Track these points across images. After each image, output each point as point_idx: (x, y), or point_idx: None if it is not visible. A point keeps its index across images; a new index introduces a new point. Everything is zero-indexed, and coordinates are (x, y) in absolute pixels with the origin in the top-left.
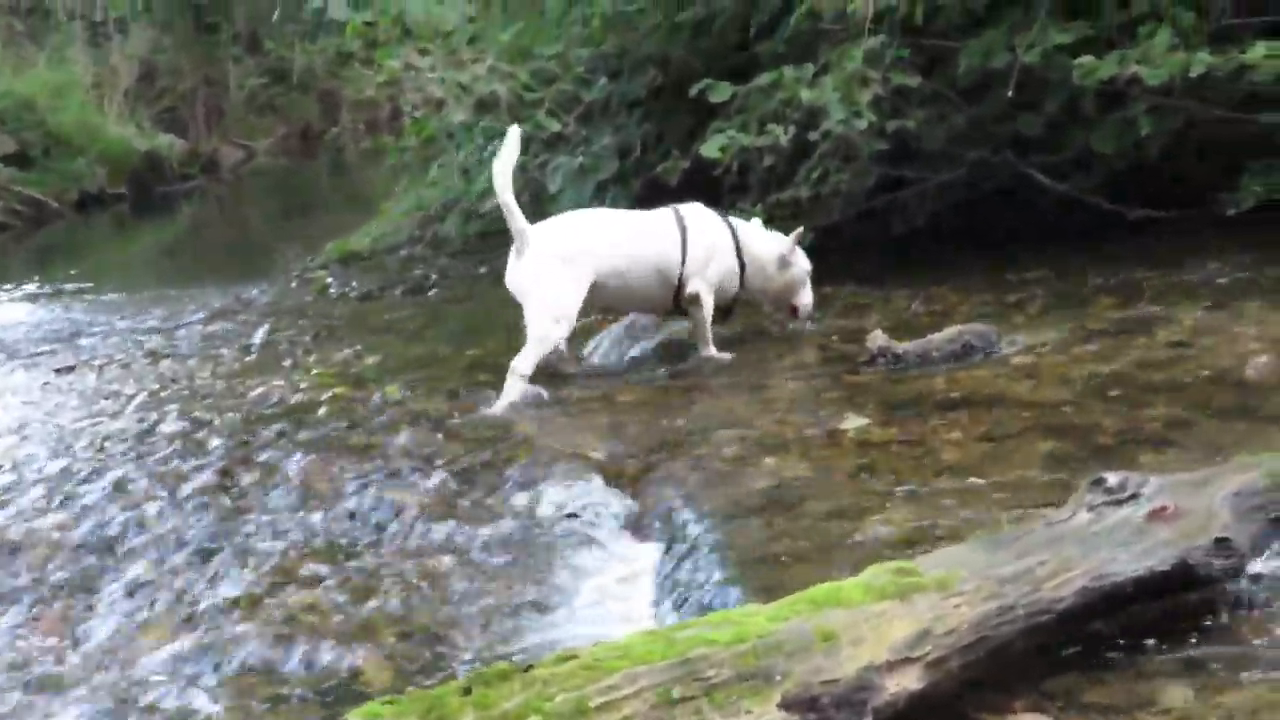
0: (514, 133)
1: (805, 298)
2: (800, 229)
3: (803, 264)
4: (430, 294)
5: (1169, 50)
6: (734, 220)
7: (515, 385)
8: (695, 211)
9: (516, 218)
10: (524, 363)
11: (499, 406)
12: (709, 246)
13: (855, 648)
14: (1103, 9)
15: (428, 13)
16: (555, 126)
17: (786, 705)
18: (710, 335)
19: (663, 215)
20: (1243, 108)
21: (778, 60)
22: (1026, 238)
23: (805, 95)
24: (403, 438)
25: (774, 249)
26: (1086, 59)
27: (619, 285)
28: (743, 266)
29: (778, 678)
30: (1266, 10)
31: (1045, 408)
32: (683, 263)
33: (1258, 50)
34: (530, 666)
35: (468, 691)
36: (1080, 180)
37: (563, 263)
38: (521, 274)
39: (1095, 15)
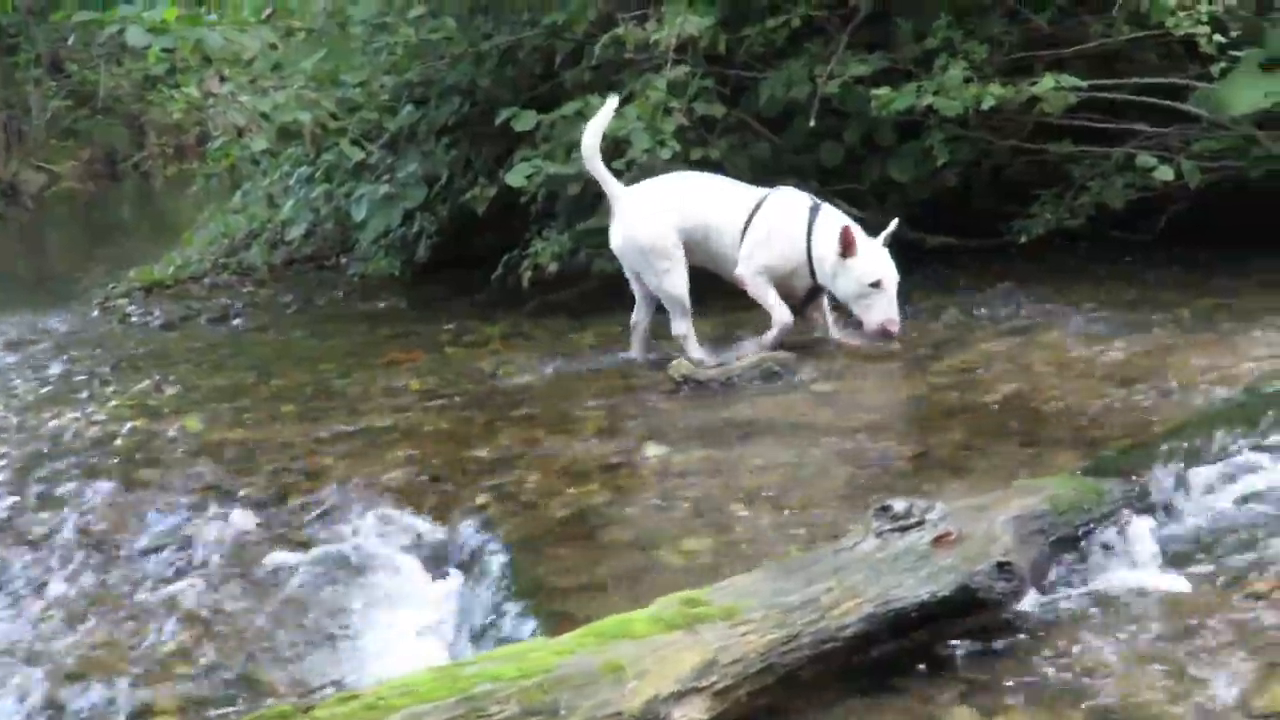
0: (611, 101)
1: (871, 311)
2: (894, 223)
3: (866, 268)
4: (235, 323)
5: (963, 83)
6: (825, 208)
7: (690, 346)
8: (783, 193)
9: (609, 183)
10: (677, 327)
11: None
12: (770, 229)
13: (642, 680)
14: (899, 42)
15: (227, 40)
16: (358, 155)
17: None
18: (772, 330)
19: (751, 191)
20: (1034, 138)
21: (583, 89)
22: None
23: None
24: (201, 469)
25: (832, 243)
26: (884, 91)
27: (701, 248)
28: (811, 259)
29: (563, 712)
30: (1055, 45)
31: (844, 433)
32: (740, 241)
33: (1046, 83)
34: (310, 708)
35: None
36: (881, 209)
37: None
38: (615, 237)
39: (892, 48)
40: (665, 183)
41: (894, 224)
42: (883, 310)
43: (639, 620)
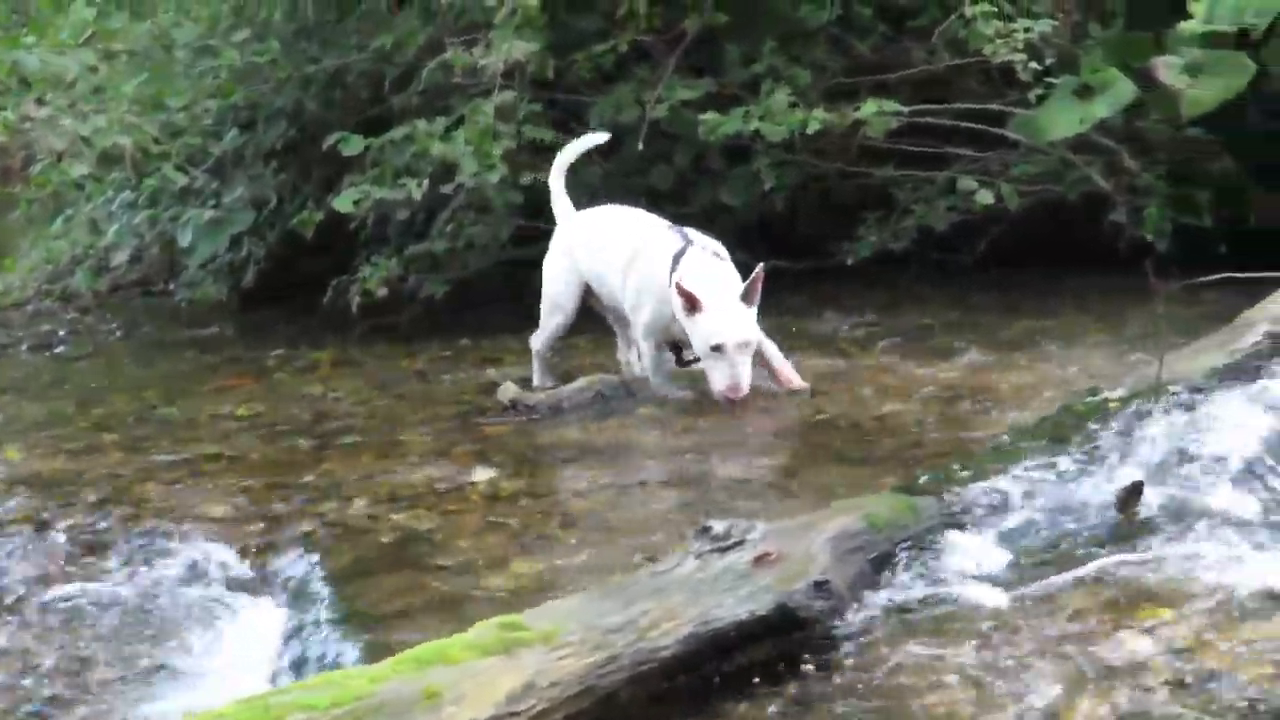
0: (596, 137)
1: (712, 373)
2: (758, 270)
3: (707, 328)
4: (58, 350)
5: (788, 108)
6: (691, 249)
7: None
8: (658, 233)
9: (558, 205)
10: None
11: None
12: (645, 271)
13: (458, 705)
14: (727, 67)
15: (45, 62)
16: (182, 180)
17: None
18: (656, 369)
19: (637, 230)
20: (860, 162)
21: (412, 114)
22: None
23: (437, 149)
24: (18, 500)
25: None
26: (711, 115)
27: (602, 290)
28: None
29: None
30: (878, 71)
31: (671, 456)
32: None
33: (869, 107)
34: None
35: None
36: (712, 233)
37: (560, 254)
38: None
39: (720, 73)
40: (588, 217)
41: (759, 270)
42: (723, 375)
43: (456, 645)
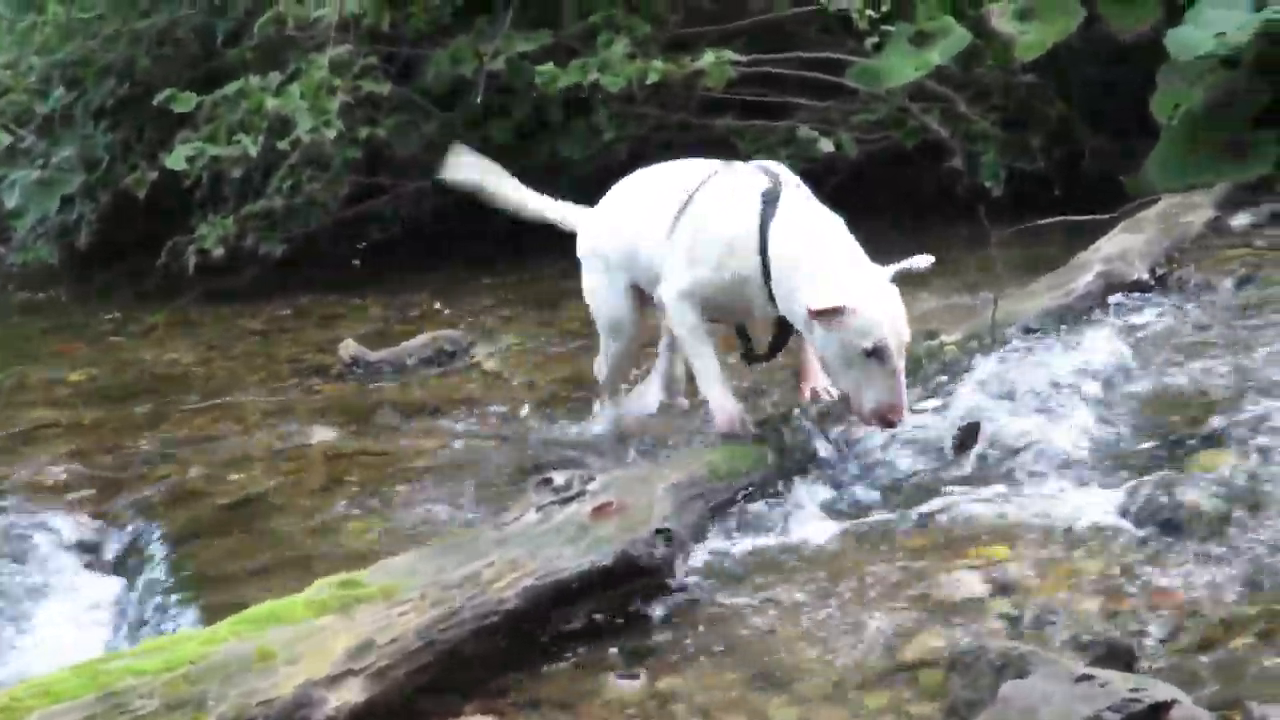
0: None
1: (862, 389)
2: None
3: (857, 322)
4: None
5: (627, 59)
6: (787, 192)
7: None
8: (729, 171)
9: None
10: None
11: None
12: (709, 211)
13: (295, 665)
14: (564, 19)
15: None
16: (7, 140)
17: None
18: (709, 374)
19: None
20: (702, 113)
21: (245, 69)
22: (504, 244)
23: (272, 104)
24: None
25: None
26: (549, 67)
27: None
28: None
29: (211, 702)
30: (718, 20)
31: (513, 411)
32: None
33: (708, 57)
34: None
35: None
36: (553, 185)
37: (591, 259)
38: None
39: (557, 24)
40: (610, 195)
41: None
42: (879, 388)
43: (293, 605)
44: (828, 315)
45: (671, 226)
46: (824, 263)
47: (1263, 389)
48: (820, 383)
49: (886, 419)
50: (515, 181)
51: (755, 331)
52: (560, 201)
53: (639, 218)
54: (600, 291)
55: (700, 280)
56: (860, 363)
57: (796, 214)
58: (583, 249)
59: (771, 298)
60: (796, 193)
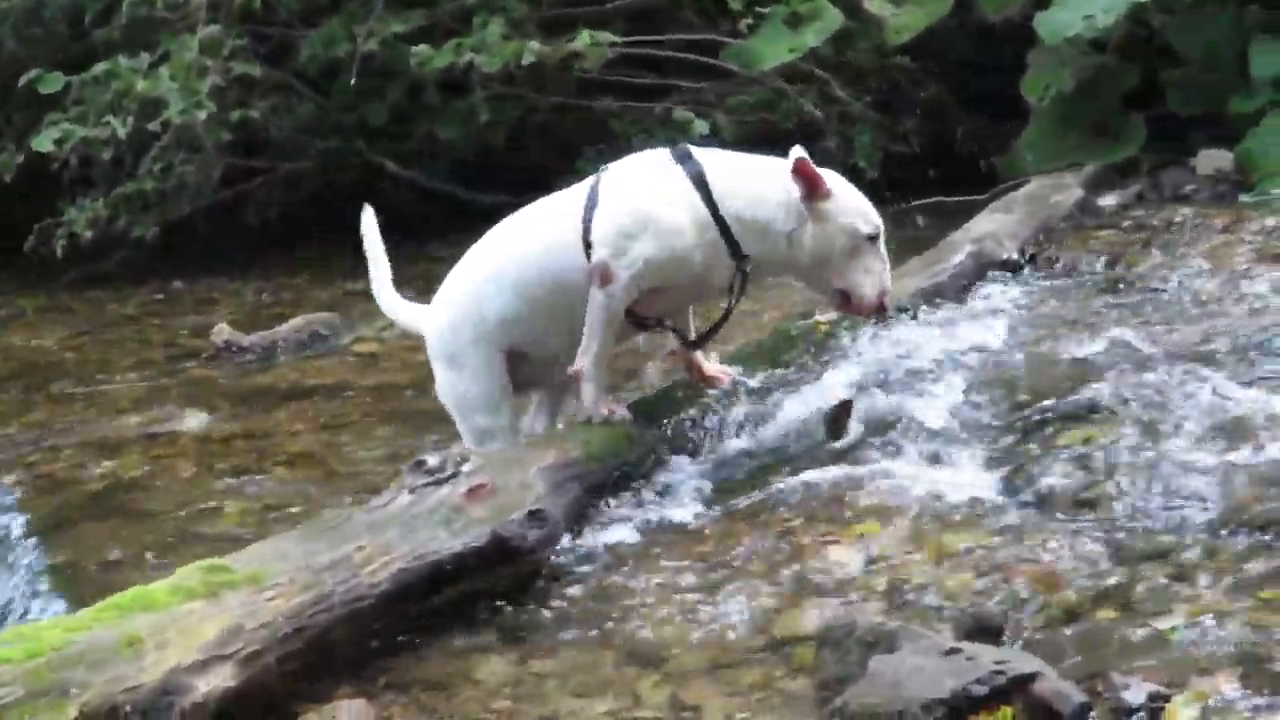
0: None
1: (868, 276)
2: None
3: (854, 209)
4: None
5: (502, 39)
6: (696, 151)
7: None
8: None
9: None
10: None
11: None
12: (626, 190)
13: (161, 651)
14: None
15: None
16: None
17: (86, 718)
18: (599, 356)
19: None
20: (582, 95)
21: (114, 49)
22: (384, 226)
23: (142, 85)
24: None
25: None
26: (423, 48)
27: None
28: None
29: (74, 691)
30: (592, 1)
31: (386, 392)
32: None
33: (583, 38)
34: None
35: None
36: (431, 167)
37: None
38: None
39: (433, 4)
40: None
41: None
42: (879, 275)
43: (160, 591)
44: (827, 205)
45: (583, 227)
46: (781, 180)
47: (1128, 364)
48: (712, 366)
49: (884, 304)
50: (387, 273)
51: (683, 321)
52: (407, 303)
53: (534, 238)
54: (466, 376)
55: (652, 259)
56: (862, 250)
57: (725, 159)
58: (441, 334)
59: (734, 250)
60: (702, 150)
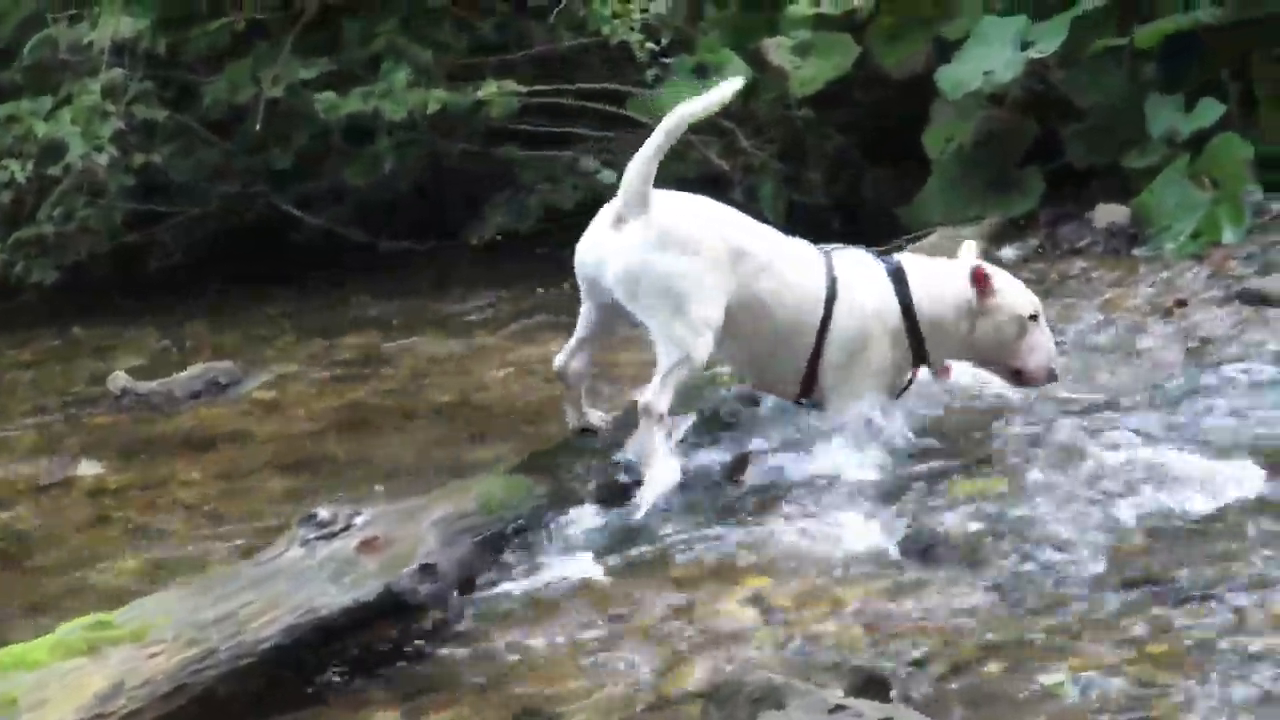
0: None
1: (1035, 352)
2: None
3: (1017, 298)
4: None
5: (408, 87)
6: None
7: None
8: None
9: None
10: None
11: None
12: (856, 302)
13: (38, 711)
14: (346, 45)
15: None
16: None
17: None
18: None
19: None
20: (490, 142)
21: (15, 92)
22: (286, 271)
23: (42, 129)
24: None
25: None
26: (329, 95)
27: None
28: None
29: None
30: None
31: (285, 441)
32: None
33: (490, 87)
34: None
35: None
36: (337, 213)
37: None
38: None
39: (340, 51)
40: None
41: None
42: (1046, 345)
43: (39, 649)
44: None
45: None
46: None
47: (1022, 416)
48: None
49: (1054, 372)
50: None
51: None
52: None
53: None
54: (700, 264)
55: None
56: (1026, 329)
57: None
58: (681, 220)
59: (922, 355)
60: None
